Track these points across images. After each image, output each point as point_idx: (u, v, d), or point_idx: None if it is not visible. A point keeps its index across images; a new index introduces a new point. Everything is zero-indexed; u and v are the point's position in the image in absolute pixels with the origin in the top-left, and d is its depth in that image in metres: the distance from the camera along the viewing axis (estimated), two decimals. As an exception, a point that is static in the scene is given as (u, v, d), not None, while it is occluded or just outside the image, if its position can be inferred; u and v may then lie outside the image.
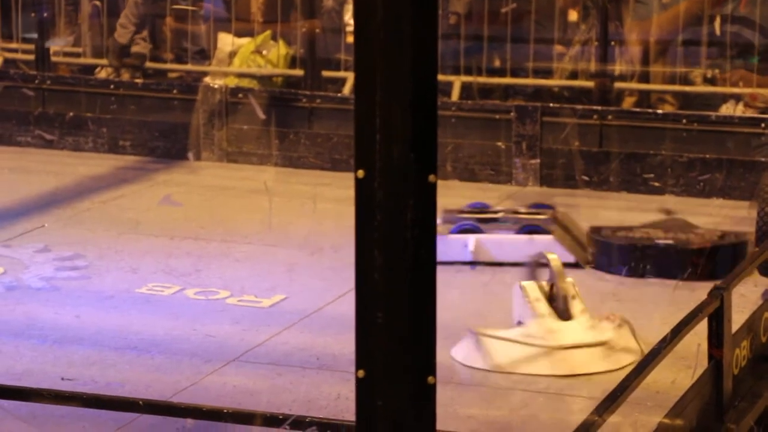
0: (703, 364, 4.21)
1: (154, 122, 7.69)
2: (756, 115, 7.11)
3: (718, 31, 7.26)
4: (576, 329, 4.82)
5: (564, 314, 4.86)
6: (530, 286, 4.90)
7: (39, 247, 6.01)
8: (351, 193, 2.39)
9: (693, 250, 5.69)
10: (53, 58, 8.19)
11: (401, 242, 2.43)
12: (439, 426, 2.50)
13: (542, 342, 4.74)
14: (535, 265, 5.03)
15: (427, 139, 2.41)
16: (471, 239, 5.80)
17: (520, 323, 4.84)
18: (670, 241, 5.77)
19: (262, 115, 7.36)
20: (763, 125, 7.00)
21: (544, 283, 4.92)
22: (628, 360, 4.69)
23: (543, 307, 4.84)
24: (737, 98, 7.29)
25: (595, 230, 5.95)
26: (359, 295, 2.46)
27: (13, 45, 8.30)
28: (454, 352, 4.79)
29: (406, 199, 2.40)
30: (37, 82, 7.92)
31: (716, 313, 4.23)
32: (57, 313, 5.25)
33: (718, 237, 5.81)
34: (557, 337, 4.77)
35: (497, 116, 7.27)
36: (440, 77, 7.55)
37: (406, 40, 2.39)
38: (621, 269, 5.71)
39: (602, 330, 4.85)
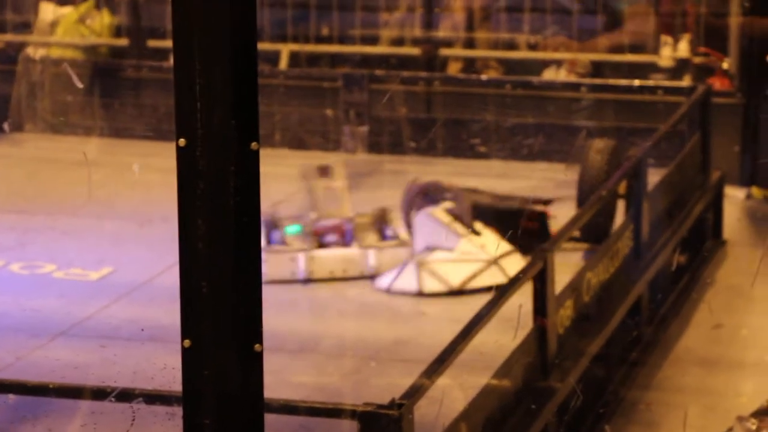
0: (528, 324, 4.27)
1: (-27, 94, 7.52)
2: (576, 80, 7.22)
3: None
4: (492, 241, 5.19)
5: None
6: (440, 212, 5.15)
7: None
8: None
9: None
10: None
11: (225, 210, 2.41)
12: (268, 394, 2.50)
13: (483, 256, 5.06)
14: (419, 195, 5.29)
15: (249, 107, 2.39)
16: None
17: (430, 248, 5.01)
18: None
19: (79, 84, 7.25)
20: (583, 89, 7.12)
21: (443, 210, 5.08)
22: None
23: (461, 227, 5.15)
24: (559, 63, 7.40)
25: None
26: (183, 265, 2.44)
27: None
28: (391, 284, 4.90)
29: (228, 166, 2.37)
30: None
31: (540, 275, 4.28)
32: None
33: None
34: (488, 251, 5.12)
35: (325, 84, 7.28)
36: (268, 46, 7.56)
37: (224, 6, 2.37)
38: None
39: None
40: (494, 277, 5.03)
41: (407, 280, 5.02)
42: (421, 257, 5.03)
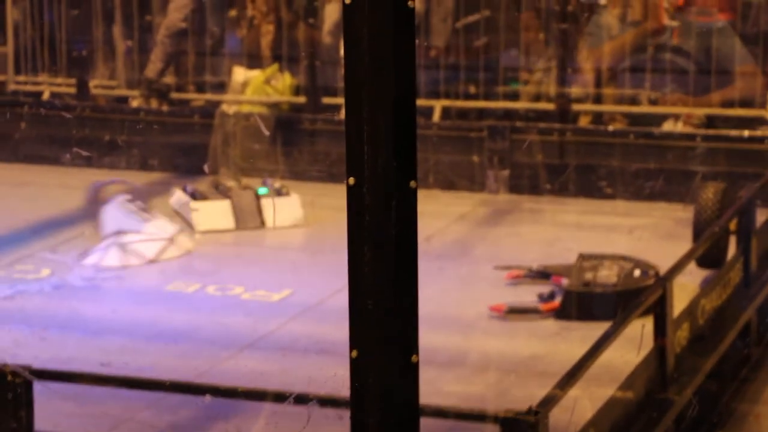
0: (650, 344, 4.18)
1: (177, 143, 7.66)
2: (692, 131, 7.11)
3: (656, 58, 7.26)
4: (166, 224, 5.89)
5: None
6: (124, 203, 5.79)
7: (80, 251, 5.97)
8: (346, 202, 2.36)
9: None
10: (92, 91, 8.16)
11: (387, 239, 2.41)
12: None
13: (167, 234, 5.76)
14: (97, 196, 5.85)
15: (408, 150, 2.39)
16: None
17: (121, 232, 5.64)
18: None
19: (266, 132, 7.34)
20: (698, 139, 6.99)
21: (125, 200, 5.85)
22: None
23: (145, 213, 5.82)
24: (676, 117, 7.30)
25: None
26: (352, 286, 2.44)
27: (58, 80, 8.27)
28: (98, 262, 5.52)
29: (390, 201, 2.37)
30: (77, 110, 7.89)
31: (660, 301, 4.20)
32: (96, 308, 5.23)
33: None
34: (167, 230, 5.80)
35: (472, 134, 7.26)
36: (423, 102, 7.58)
37: (388, 65, 2.38)
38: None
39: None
40: (175, 251, 5.72)
41: (111, 257, 5.60)
42: (120, 239, 5.62)
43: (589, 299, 5.02)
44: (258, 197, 6.24)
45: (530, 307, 5.07)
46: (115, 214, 5.73)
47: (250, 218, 6.18)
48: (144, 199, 6.01)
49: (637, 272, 5.17)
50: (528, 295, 5.25)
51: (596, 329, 4.11)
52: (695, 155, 6.96)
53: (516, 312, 5.04)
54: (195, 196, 6.28)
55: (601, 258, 5.30)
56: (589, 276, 5.11)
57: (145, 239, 5.63)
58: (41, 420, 3.63)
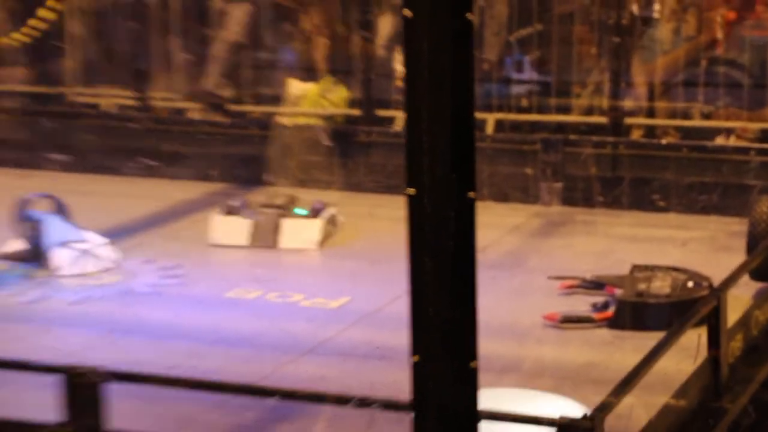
0: (704, 353, 4.20)
1: (236, 154, 7.74)
2: (745, 145, 7.08)
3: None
4: (96, 236, 6.06)
5: None
6: (55, 220, 5.94)
7: (145, 259, 6.07)
8: (402, 213, 2.41)
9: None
10: (152, 102, 8.27)
11: (446, 248, 2.45)
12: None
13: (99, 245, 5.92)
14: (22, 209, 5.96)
15: (467, 161, 2.44)
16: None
17: (68, 242, 5.83)
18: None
19: (326, 142, 7.40)
20: (751, 153, 6.97)
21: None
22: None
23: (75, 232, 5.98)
24: (729, 131, 7.27)
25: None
26: (413, 294, 2.49)
27: (117, 92, 8.39)
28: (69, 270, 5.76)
29: (449, 212, 2.42)
30: (138, 121, 8.00)
31: (714, 312, 4.22)
32: (160, 313, 5.31)
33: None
34: (98, 242, 5.98)
35: (525, 147, 7.27)
36: (476, 115, 7.56)
37: (447, 78, 2.43)
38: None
39: None
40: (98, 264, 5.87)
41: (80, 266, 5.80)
42: (87, 247, 5.88)
43: (643, 309, 5.05)
44: (279, 217, 6.25)
45: (584, 317, 5.10)
46: (57, 225, 5.94)
47: (263, 237, 6.23)
48: (68, 213, 6.11)
49: (690, 283, 5.18)
50: (581, 304, 5.28)
51: (650, 339, 4.13)
52: (749, 169, 6.93)
53: (570, 321, 5.07)
54: (233, 210, 6.34)
55: (654, 269, 5.32)
56: (642, 286, 5.13)
57: (86, 249, 5.89)
58: (113, 419, 3.71)
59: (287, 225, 6.25)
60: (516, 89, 7.62)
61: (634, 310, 5.05)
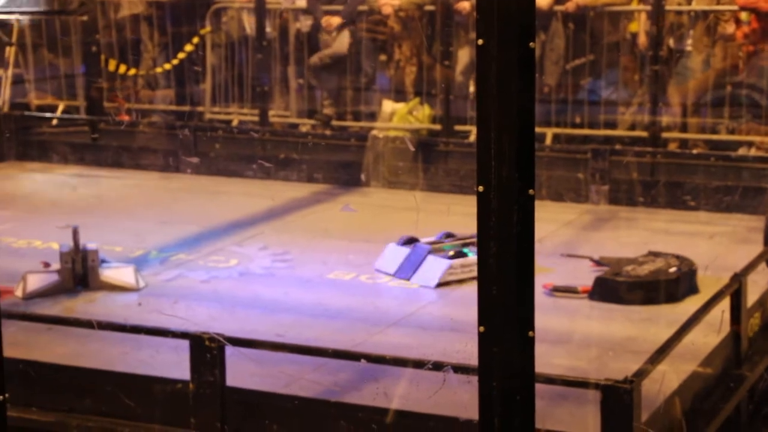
0: (727, 328, 4.10)
1: (337, 160, 7.76)
2: (763, 155, 6.97)
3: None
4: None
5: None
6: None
7: (260, 246, 6.09)
8: (473, 209, 2.37)
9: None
10: (271, 118, 8.33)
11: (509, 236, 2.41)
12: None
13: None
14: None
15: (528, 164, 2.40)
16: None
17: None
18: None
19: (413, 148, 7.38)
20: (769, 162, 6.83)
21: None
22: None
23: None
24: (750, 143, 7.16)
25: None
26: (480, 274, 2.45)
27: (244, 110, 8.47)
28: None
29: (512, 205, 2.38)
30: (260, 134, 8.06)
31: (736, 293, 4.12)
32: (272, 291, 5.30)
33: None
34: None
35: (578, 156, 7.21)
36: (537, 129, 7.50)
37: (512, 95, 2.38)
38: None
39: None
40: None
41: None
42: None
43: (615, 286, 5.00)
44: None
45: (571, 288, 5.08)
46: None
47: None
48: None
49: (672, 269, 5.07)
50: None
51: (684, 315, 4.04)
52: (766, 175, 6.80)
53: (560, 291, 5.06)
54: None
55: (660, 255, 5.24)
56: (628, 268, 5.08)
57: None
58: (231, 377, 3.73)
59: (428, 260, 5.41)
60: (570, 108, 7.57)
61: (606, 286, 5.02)
